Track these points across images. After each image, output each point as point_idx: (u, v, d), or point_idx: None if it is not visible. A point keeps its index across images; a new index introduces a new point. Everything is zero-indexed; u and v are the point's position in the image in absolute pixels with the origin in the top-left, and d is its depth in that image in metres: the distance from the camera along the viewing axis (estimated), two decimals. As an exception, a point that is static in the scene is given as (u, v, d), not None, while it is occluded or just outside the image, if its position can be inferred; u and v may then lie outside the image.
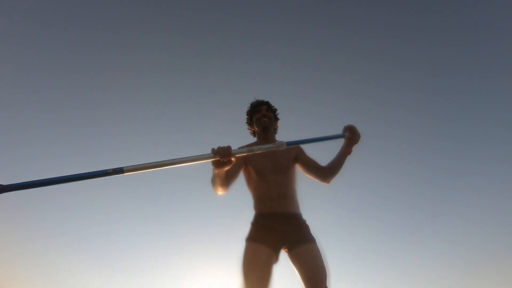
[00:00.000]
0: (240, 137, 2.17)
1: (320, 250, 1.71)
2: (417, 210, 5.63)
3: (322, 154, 1.92)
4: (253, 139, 2.09)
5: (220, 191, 1.70)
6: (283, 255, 1.74)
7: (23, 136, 5.53)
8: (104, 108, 5.85)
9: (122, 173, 1.25)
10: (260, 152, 1.53)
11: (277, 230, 1.73)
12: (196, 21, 6.10)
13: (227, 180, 1.68)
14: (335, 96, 6.08)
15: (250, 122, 2.10)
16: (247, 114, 2.11)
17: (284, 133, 2.12)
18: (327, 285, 1.60)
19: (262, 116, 1.99)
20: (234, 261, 1.71)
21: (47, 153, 5.58)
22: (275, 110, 2.10)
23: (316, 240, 1.75)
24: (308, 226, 1.82)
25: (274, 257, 1.69)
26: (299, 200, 1.91)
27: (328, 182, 1.88)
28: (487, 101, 5.84)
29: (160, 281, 5.09)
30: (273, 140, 2.00)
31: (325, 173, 1.87)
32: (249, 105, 2.10)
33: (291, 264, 1.70)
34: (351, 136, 1.80)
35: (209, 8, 6.04)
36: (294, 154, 1.94)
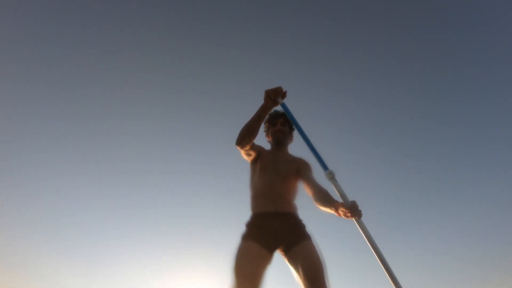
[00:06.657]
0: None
1: (316, 246, 1.69)
2: (412, 210, 5.65)
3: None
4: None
5: (247, 134, 1.80)
6: (278, 258, 1.70)
7: (23, 136, 5.51)
8: (105, 108, 5.83)
9: None
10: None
11: (271, 229, 1.72)
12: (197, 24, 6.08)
13: (257, 130, 1.82)
14: (332, 95, 6.07)
15: (267, 132, 2.16)
16: (264, 124, 2.15)
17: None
18: (327, 280, 1.56)
19: (277, 130, 2.06)
20: (224, 262, 1.68)
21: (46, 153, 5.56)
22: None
23: (312, 237, 1.74)
24: (303, 225, 1.82)
25: (268, 257, 1.66)
26: (296, 204, 1.91)
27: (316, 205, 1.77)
28: (485, 104, 5.85)
29: (152, 281, 5.07)
30: (285, 152, 2.07)
31: (316, 200, 1.73)
32: (268, 115, 2.06)
33: (288, 265, 1.67)
34: (343, 211, 1.52)
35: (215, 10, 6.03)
36: (298, 167, 1.95)
